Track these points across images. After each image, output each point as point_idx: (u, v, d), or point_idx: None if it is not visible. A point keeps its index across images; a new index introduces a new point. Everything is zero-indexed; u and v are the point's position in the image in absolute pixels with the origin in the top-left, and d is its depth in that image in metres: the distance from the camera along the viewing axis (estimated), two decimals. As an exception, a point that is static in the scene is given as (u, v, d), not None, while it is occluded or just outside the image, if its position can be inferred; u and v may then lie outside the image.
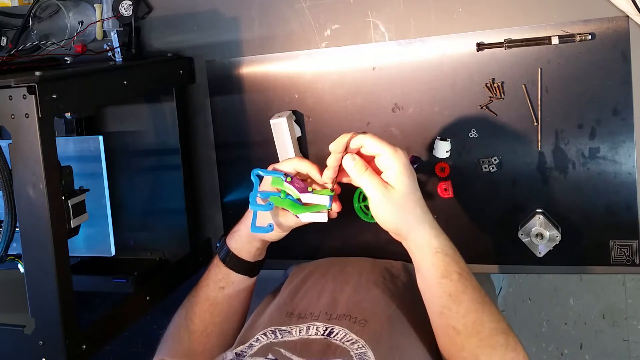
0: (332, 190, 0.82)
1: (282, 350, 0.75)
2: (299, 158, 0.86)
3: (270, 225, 0.84)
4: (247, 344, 0.79)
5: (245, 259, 0.92)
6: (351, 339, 0.77)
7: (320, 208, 0.83)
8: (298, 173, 0.85)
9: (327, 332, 0.79)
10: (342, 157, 0.79)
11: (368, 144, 0.77)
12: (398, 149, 0.77)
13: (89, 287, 1.01)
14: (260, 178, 0.85)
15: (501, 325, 0.78)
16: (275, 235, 0.89)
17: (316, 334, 0.78)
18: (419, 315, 0.84)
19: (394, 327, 0.82)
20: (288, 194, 0.82)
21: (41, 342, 0.76)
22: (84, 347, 0.78)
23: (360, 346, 0.76)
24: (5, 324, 0.79)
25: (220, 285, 0.93)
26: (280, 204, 0.83)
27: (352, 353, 0.74)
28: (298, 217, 0.83)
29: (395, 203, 0.76)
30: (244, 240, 0.92)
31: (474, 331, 0.77)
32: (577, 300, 2.01)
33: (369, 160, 0.79)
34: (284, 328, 0.81)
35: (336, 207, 0.84)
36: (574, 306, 2.02)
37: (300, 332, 0.80)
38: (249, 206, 0.84)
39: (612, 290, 1.97)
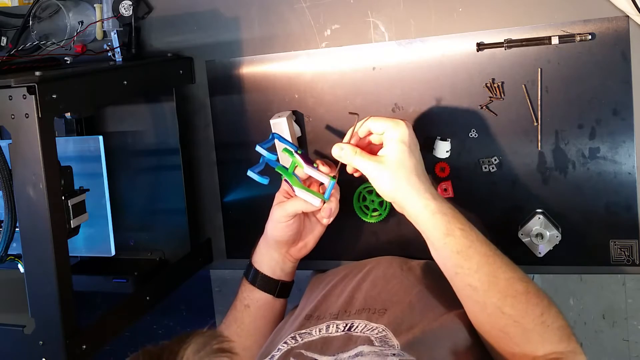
0: (335, 177, 0.87)
1: (303, 352, 0.75)
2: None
3: (265, 178, 0.87)
4: (268, 357, 0.78)
5: (266, 274, 0.93)
6: (371, 327, 0.77)
7: (318, 195, 0.87)
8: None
9: (347, 327, 0.78)
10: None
11: (373, 126, 0.83)
12: (399, 121, 0.81)
13: (89, 287, 1.01)
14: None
15: (517, 274, 0.78)
16: (287, 237, 0.91)
17: (336, 332, 0.78)
18: (443, 296, 0.84)
19: (415, 310, 0.81)
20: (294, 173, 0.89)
21: (41, 342, 0.76)
22: (84, 347, 0.78)
23: (380, 330, 0.76)
24: (5, 324, 0.79)
25: (245, 303, 0.94)
26: (283, 172, 0.88)
27: (372, 338, 0.74)
28: (295, 191, 0.88)
29: (389, 172, 0.80)
30: (262, 251, 0.94)
31: (490, 284, 0.77)
32: (577, 300, 2.01)
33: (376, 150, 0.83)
34: (303, 331, 0.81)
35: (334, 204, 0.86)
36: (574, 306, 2.02)
37: (320, 332, 0.79)
38: (247, 172, 0.88)
39: (612, 290, 1.98)
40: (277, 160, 0.90)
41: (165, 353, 0.49)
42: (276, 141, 0.92)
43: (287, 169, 0.88)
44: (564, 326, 0.77)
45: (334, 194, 0.88)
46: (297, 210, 0.88)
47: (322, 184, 0.89)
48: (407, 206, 0.80)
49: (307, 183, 0.90)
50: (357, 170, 0.84)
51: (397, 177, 0.79)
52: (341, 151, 0.83)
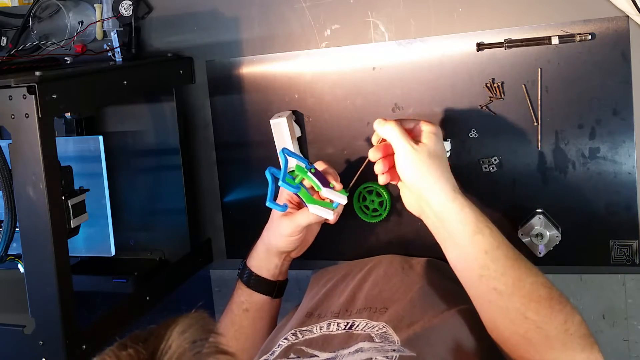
0: (347, 191, 0.86)
1: (303, 348, 0.75)
2: (323, 162, 0.90)
3: (285, 206, 0.85)
4: (269, 353, 0.78)
5: (266, 277, 0.93)
6: (372, 325, 0.77)
7: (328, 206, 0.86)
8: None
9: (348, 326, 0.78)
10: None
11: (404, 121, 0.80)
12: (430, 123, 0.80)
13: (89, 287, 1.01)
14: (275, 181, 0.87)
15: (541, 278, 0.76)
16: (294, 247, 0.91)
17: (337, 330, 0.78)
18: (444, 293, 0.83)
19: (415, 307, 0.80)
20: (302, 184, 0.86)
21: (41, 342, 0.76)
22: (84, 347, 0.78)
23: (381, 327, 0.75)
24: (5, 324, 0.79)
25: (244, 308, 0.94)
26: (303, 196, 0.86)
27: (372, 334, 0.74)
28: (307, 207, 0.86)
29: (420, 158, 0.77)
30: (262, 256, 0.93)
31: (515, 288, 0.74)
32: (577, 300, 2.01)
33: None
34: (304, 328, 0.81)
35: (339, 210, 0.86)
36: (574, 306, 2.02)
37: (321, 330, 0.79)
38: (266, 203, 0.85)
39: (612, 290, 1.97)
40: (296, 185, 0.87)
41: (152, 336, 0.49)
42: (287, 156, 0.88)
43: (295, 182, 0.86)
44: (587, 335, 0.74)
45: None
46: (310, 222, 0.87)
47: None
48: (433, 198, 0.77)
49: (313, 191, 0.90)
50: (390, 175, 0.82)
51: (427, 165, 0.77)
52: (384, 121, 0.80)
